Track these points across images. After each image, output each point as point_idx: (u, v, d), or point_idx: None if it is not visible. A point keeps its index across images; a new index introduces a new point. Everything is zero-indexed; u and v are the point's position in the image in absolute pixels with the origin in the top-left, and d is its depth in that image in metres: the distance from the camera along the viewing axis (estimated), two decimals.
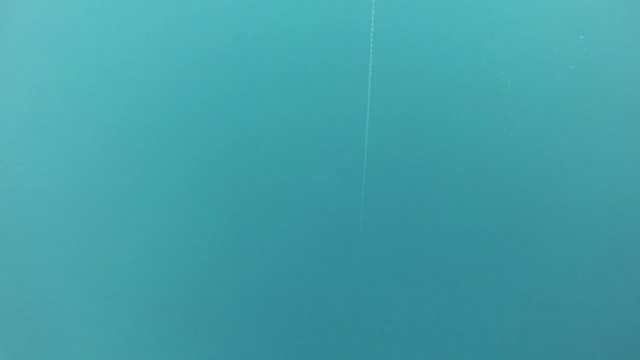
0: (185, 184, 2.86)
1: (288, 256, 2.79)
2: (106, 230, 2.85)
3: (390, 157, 2.79)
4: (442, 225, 2.80)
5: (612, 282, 2.78)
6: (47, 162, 2.86)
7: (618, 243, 2.84)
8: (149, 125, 2.86)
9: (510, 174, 2.85)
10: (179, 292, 2.84)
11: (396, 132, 2.79)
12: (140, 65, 2.89)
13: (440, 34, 2.81)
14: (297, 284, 2.79)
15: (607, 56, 2.91)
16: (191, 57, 2.88)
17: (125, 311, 2.84)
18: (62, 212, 2.84)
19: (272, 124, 2.86)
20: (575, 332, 2.79)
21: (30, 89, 2.87)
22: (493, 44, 2.85)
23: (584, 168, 2.90)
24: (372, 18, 2.52)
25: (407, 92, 2.80)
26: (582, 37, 2.78)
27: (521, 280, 2.83)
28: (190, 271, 2.83)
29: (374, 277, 2.79)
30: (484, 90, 2.83)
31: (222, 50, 2.86)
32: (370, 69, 2.61)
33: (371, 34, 2.56)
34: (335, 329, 2.77)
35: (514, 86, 2.83)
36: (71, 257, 2.83)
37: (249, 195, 2.86)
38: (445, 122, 2.82)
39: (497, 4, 2.84)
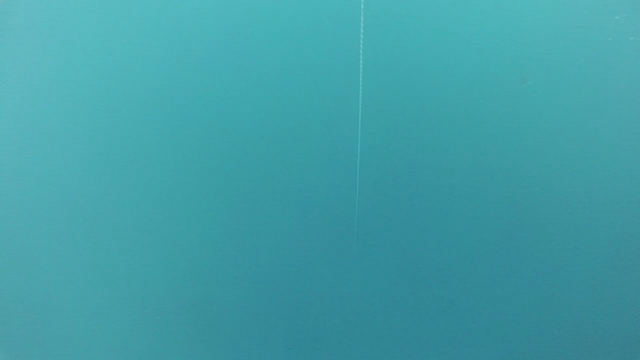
0: (180, 183, 2.89)
1: (284, 256, 2.80)
2: (106, 230, 2.88)
3: (384, 155, 2.79)
4: (439, 224, 2.79)
5: (613, 282, 2.75)
6: (47, 162, 2.91)
7: (619, 243, 2.80)
8: (146, 125, 2.90)
9: (507, 173, 2.84)
10: (178, 293, 2.86)
11: (389, 130, 2.80)
12: (139, 65, 2.93)
13: (434, 29, 2.82)
14: (294, 283, 2.79)
15: (608, 55, 2.90)
16: (184, 57, 2.92)
17: (126, 311, 2.86)
18: (61, 212, 2.88)
19: (264, 123, 2.88)
20: (575, 332, 2.75)
21: (30, 89, 2.92)
22: (488, 41, 2.86)
23: (584, 168, 2.88)
24: (362, 15, 2.55)
25: (400, 90, 2.81)
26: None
27: (520, 279, 2.81)
28: (188, 271, 2.85)
29: (370, 276, 2.78)
30: (479, 87, 2.83)
31: (212, 49, 2.90)
32: (360, 66, 2.63)
33: (361, 30, 2.59)
34: (333, 329, 2.76)
35: (512, 84, 2.83)
36: (71, 257, 2.86)
37: (243, 194, 2.87)
38: (439, 119, 2.81)
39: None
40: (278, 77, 2.87)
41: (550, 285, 2.82)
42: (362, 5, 2.43)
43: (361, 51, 2.51)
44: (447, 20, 2.83)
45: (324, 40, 2.84)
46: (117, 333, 2.85)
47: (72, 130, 2.93)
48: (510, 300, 2.84)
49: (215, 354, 2.76)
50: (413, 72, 2.84)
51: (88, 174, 2.88)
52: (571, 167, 2.90)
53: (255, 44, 2.91)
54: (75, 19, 2.96)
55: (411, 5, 2.78)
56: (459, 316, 2.76)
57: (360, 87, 2.58)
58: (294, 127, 2.88)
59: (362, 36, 2.46)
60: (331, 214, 2.80)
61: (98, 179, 2.86)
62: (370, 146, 2.75)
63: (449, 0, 2.85)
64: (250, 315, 2.79)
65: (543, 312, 2.80)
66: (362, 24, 2.41)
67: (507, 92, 2.85)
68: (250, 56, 2.90)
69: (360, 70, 2.53)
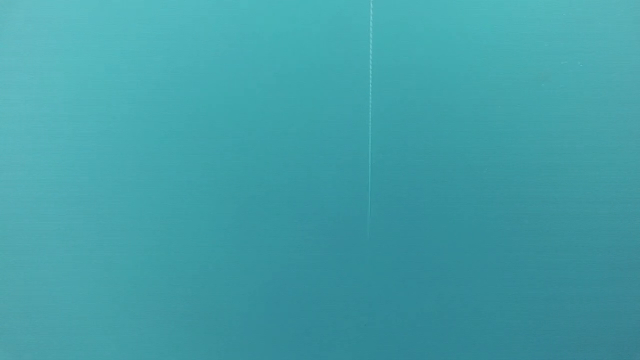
0: (189, 184, 2.85)
1: (293, 257, 2.78)
2: (107, 230, 2.84)
3: (395, 155, 2.77)
4: (453, 225, 2.79)
5: (613, 282, 2.78)
6: (47, 163, 2.85)
7: (619, 243, 2.84)
8: (149, 125, 2.85)
9: (517, 173, 2.84)
10: (180, 293, 2.84)
11: (399, 131, 2.78)
12: (141, 65, 2.88)
13: (445, 29, 2.78)
14: (303, 285, 2.78)
15: (609, 55, 2.91)
16: (192, 57, 2.87)
17: (126, 311, 2.83)
18: (62, 212, 2.83)
19: (275, 124, 2.85)
20: (575, 332, 2.79)
21: (30, 89, 2.85)
22: (497, 41, 2.84)
23: (585, 168, 2.90)
24: (371, 15, 2.51)
25: (409, 90, 2.78)
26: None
27: (523, 280, 2.83)
28: (193, 272, 2.83)
29: (381, 277, 2.78)
30: (489, 88, 2.82)
31: (221, 49, 2.85)
32: (370, 65, 2.60)
33: (370, 30, 2.55)
34: (341, 330, 2.77)
35: (519, 84, 2.82)
36: (71, 257, 2.82)
37: (254, 195, 2.84)
38: (450, 120, 2.79)
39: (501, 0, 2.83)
40: (287, 78, 2.83)
41: (553, 286, 2.84)
42: (370, 4, 2.38)
43: (370, 50, 2.48)
44: (458, 20, 2.80)
45: (333, 40, 2.80)
46: (119, 334, 2.83)
47: (74, 131, 2.87)
48: (512, 300, 2.86)
49: (221, 357, 2.75)
50: (423, 72, 2.81)
51: (89, 174, 2.83)
52: (581, 168, 2.91)
53: (263, 44, 2.85)
54: (76, 18, 2.88)
55: (421, 4, 2.74)
56: (466, 316, 2.78)
57: (370, 87, 2.55)
58: (304, 127, 2.85)
59: (371, 35, 2.42)
60: (343, 215, 2.78)
61: (99, 179, 2.81)
62: (382, 147, 2.73)
63: (463, 1, 2.82)
64: (259, 317, 2.77)
65: (544, 312, 2.83)
66: (370, 22, 2.37)
67: (521, 93, 2.85)
68: (258, 57, 2.85)
69: (370, 70, 2.50)
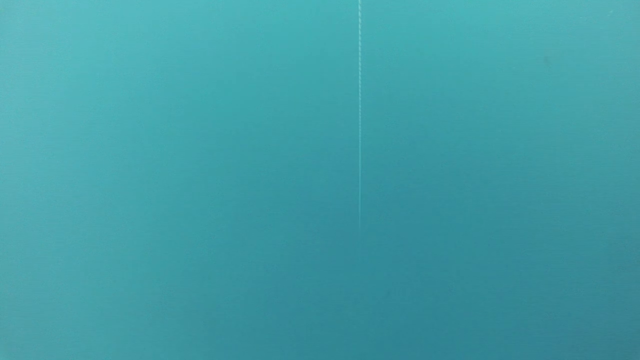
0: (183, 183, 2.87)
1: (287, 256, 2.78)
2: (106, 230, 2.86)
3: (385, 154, 2.75)
4: (444, 224, 2.77)
5: (613, 282, 2.74)
6: (47, 162, 2.88)
7: (618, 243, 2.79)
8: (147, 125, 2.86)
9: (509, 173, 2.80)
10: (179, 293, 2.86)
11: (390, 129, 2.75)
12: (139, 65, 2.88)
13: (436, 23, 2.75)
14: (297, 283, 2.78)
15: (609, 55, 2.84)
16: (183, 57, 2.88)
17: (126, 311, 2.86)
18: (61, 211, 2.86)
19: (263, 122, 2.84)
20: (575, 332, 2.75)
21: (30, 89, 2.89)
22: (492, 36, 2.79)
23: (584, 168, 2.84)
24: (359, 7, 2.48)
25: (399, 88, 2.75)
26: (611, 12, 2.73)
27: (521, 280, 2.79)
28: (189, 271, 2.85)
29: (373, 276, 2.78)
30: (481, 86, 2.78)
31: (210, 49, 2.85)
32: (359, 62, 2.57)
33: (359, 28, 2.52)
34: (336, 329, 2.77)
35: (514, 83, 2.78)
36: (71, 256, 2.85)
37: (246, 195, 2.84)
38: (440, 118, 2.77)
39: None
40: (276, 75, 2.82)
41: (552, 286, 2.81)
42: (359, 1, 2.36)
43: (360, 46, 2.45)
44: (449, 15, 2.76)
45: (321, 37, 2.78)
46: (118, 334, 2.86)
47: (73, 131, 2.90)
48: (511, 300, 2.83)
49: (218, 356, 2.77)
50: (414, 69, 2.78)
51: (88, 173, 2.85)
52: (576, 168, 2.86)
53: (251, 42, 2.84)
54: (76, 18, 2.90)
55: (412, 1, 2.70)
56: (462, 316, 2.76)
57: (360, 84, 2.53)
58: (294, 126, 2.84)
59: (360, 29, 2.39)
60: (334, 213, 2.77)
61: (99, 178, 2.84)
62: (372, 144, 2.71)
63: None
64: (253, 315, 2.79)
65: (544, 312, 2.80)
66: (359, 13, 2.34)
67: (519, 90, 2.80)
68: (247, 54, 2.84)
69: (359, 66, 2.47)
